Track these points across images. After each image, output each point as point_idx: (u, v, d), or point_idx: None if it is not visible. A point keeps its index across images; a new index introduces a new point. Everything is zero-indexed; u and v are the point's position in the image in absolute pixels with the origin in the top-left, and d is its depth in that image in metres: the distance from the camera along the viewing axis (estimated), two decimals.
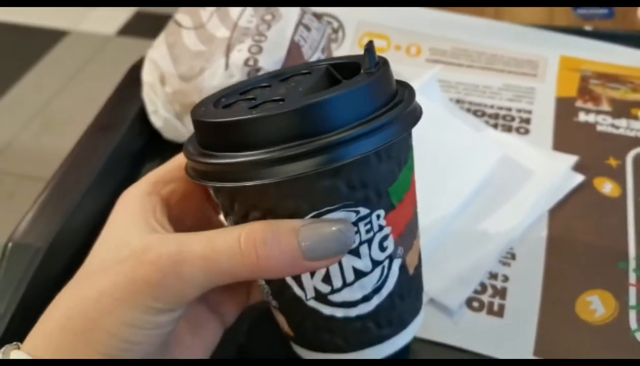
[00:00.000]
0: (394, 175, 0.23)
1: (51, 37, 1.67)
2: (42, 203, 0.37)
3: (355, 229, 0.23)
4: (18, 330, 0.31)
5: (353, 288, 0.24)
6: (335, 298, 0.25)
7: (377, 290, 0.25)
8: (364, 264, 0.24)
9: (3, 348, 0.23)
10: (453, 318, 0.33)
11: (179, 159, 0.28)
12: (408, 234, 0.25)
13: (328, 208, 0.22)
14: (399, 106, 0.23)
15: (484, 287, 0.34)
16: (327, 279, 0.24)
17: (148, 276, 0.22)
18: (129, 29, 1.70)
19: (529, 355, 0.31)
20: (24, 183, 1.28)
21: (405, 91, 0.24)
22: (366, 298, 0.25)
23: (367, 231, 0.23)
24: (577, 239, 0.36)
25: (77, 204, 0.37)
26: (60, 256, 0.35)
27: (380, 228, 0.24)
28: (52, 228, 0.35)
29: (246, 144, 0.22)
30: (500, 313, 0.33)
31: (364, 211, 0.23)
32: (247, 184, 0.22)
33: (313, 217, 0.23)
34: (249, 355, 0.32)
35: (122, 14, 1.75)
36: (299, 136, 0.21)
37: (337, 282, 0.24)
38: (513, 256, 0.35)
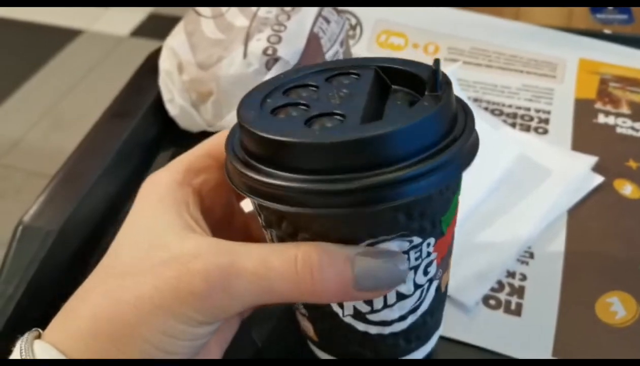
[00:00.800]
0: (448, 204, 0.23)
1: (64, 36, 1.68)
2: (55, 187, 0.37)
3: (406, 257, 0.22)
4: (26, 311, 0.31)
5: (393, 309, 0.24)
6: (374, 317, 0.24)
7: (413, 310, 0.25)
8: (406, 288, 0.24)
9: (25, 336, 0.21)
10: (469, 315, 0.32)
11: (209, 146, 0.26)
12: (448, 255, 0.25)
13: (384, 236, 0.21)
14: (463, 135, 0.21)
15: (501, 285, 0.33)
16: (368, 300, 0.24)
17: (193, 287, 0.20)
18: (142, 31, 1.71)
19: (547, 354, 0.30)
20: (31, 180, 1.29)
21: (463, 114, 0.22)
22: (402, 318, 0.25)
23: (417, 259, 0.23)
24: (597, 239, 0.35)
25: (89, 189, 0.37)
26: (71, 240, 0.35)
27: (428, 254, 0.23)
28: (64, 212, 0.35)
29: (302, 166, 0.20)
30: (517, 311, 0.32)
31: (417, 240, 0.22)
32: (304, 211, 0.20)
33: (368, 245, 0.22)
34: (263, 350, 0.31)
35: (136, 16, 1.76)
36: (361, 167, 0.19)
37: (378, 304, 0.24)
38: (531, 255, 0.34)
